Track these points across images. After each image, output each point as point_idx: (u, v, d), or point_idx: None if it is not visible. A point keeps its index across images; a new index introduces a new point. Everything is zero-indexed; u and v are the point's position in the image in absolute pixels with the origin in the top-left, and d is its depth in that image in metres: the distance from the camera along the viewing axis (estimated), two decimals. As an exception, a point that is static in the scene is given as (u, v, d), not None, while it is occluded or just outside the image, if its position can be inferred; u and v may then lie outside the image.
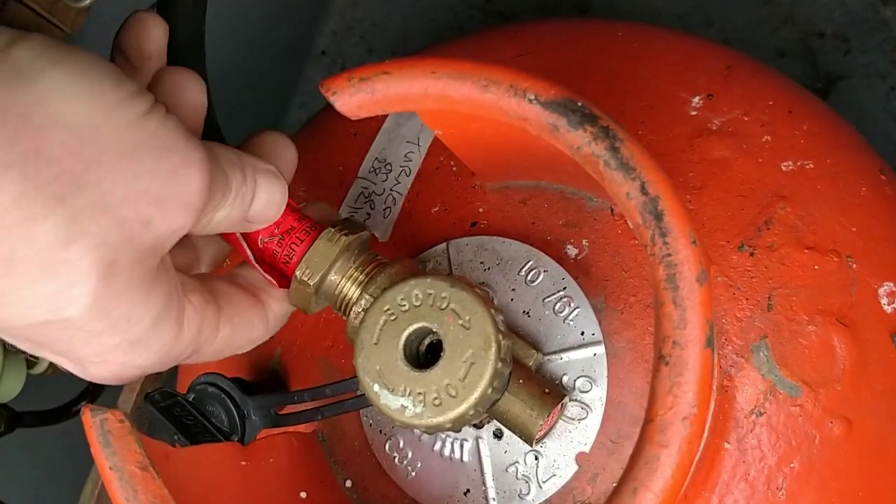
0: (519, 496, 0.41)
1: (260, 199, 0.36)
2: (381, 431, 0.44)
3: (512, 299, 0.42)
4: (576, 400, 0.40)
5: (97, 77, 0.30)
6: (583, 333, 0.41)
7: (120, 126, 0.30)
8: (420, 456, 0.42)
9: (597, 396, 0.40)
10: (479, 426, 0.41)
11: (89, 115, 0.30)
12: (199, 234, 0.36)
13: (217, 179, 0.33)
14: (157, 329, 0.33)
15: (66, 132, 0.29)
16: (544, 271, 0.42)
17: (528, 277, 0.42)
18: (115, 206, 0.30)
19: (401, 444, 0.43)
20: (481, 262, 0.43)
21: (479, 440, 0.41)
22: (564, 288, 0.42)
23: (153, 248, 0.32)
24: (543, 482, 0.40)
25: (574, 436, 0.40)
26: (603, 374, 0.40)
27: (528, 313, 0.42)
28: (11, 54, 0.29)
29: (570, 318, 0.41)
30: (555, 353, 0.41)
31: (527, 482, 0.40)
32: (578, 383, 0.40)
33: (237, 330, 0.38)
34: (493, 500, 0.41)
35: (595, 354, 0.40)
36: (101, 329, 0.31)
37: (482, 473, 0.41)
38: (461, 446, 0.42)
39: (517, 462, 0.41)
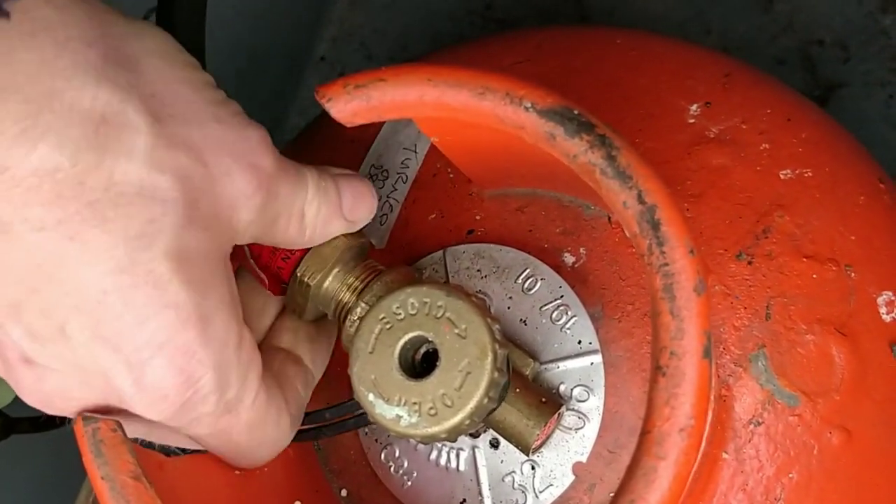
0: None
1: (346, 195, 0.37)
2: (376, 441, 0.43)
3: (509, 307, 0.42)
4: (573, 409, 0.40)
5: (187, 59, 0.33)
6: (580, 342, 0.41)
7: (207, 96, 0.32)
8: (416, 465, 0.42)
9: (594, 406, 0.40)
10: (475, 435, 0.41)
11: (185, 75, 0.32)
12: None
13: (286, 167, 0.34)
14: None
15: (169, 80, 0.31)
16: (541, 279, 0.42)
17: (526, 285, 0.42)
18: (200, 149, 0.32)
19: (396, 454, 0.43)
20: (478, 270, 0.43)
21: (476, 450, 0.41)
22: (562, 296, 0.41)
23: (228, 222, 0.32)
24: (540, 492, 0.40)
25: (571, 445, 0.40)
26: (600, 384, 0.40)
27: (525, 322, 0.41)
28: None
29: (568, 326, 0.41)
30: (552, 361, 0.41)
31: (523, 492, 0.40)
32: (575, 392, 0.40)
33: (301, 402, 0.39)
34: None
35: (592, 363, 0.40)
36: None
37: (478, 483, 0.41)
38: (457, 456, 0.41)
39: (514, 472, 0.40)
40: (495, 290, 0.42)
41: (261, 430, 0.35)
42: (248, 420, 0.34)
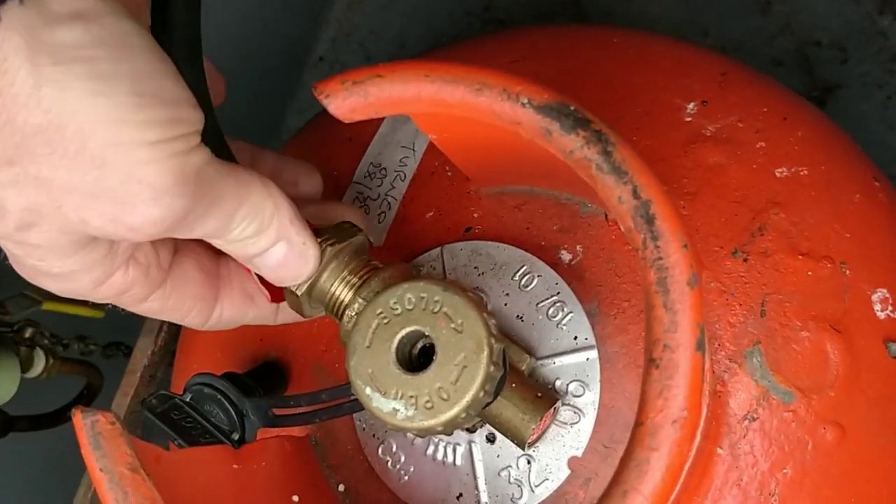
0: (511, 500, 0.40)
1: (273, 256, 0.37)
2: (374, 436, 0.43)
3: (506, 304, 0.42)
4: (568, 404, 0.40)
5: (118, 90, 0.31)
6: (576, 338, 0.41)
7: (106, 137, 0.30)
8: (413, 460, 0.42)
9: (589, 401, 0.40)
10: (471, 430, 0.41)
11: (78, 114, 0.30)
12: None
13: (193, 214, 0.33)
14: (74, 273, 0.34)
15: (40, 117, 0.30)
16: (538, 276, 0.42)
17: (522, 282, 0.42)
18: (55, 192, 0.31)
19: (394, 448, 0.43)
20: (475, 267, 0.43)
21: (472, 444, 0.41)
22: (558, 293, 0.42)
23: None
24: (536, 486, 0.40)
25: (566, 440, 0.40)
26: (596, 379, 0.40)
27: (521, 318, 0.42)
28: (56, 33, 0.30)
29: (564, 322, 0.41)
30: (548, 357, 0.41)
31: (519, 486, 0.40)
32: (571, 388, 0.40)
33: (166, 311, 0.38)
34: None
35: (588, 359, 0.40)
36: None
37: (475, 477, 0.41)
38: (454, 450, 0.42)
39: (510, 466, 0.41)
40: (492, 286, 0.43)
41: None
42: None
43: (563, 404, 0.40)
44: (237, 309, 0.40)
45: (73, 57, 0.30)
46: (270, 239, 0.36)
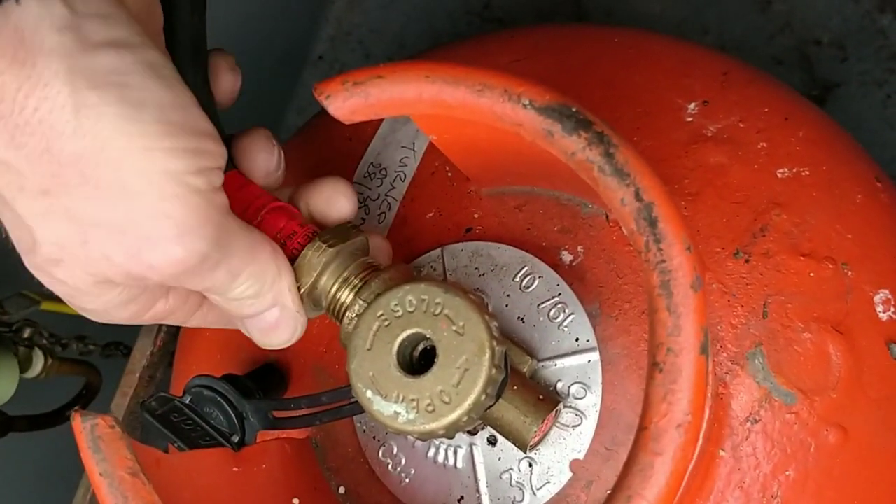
0: (513, 503, 0.40)
1: (265, 320, 0.37)
2: (374, 438, 0.43)
3: (507, 305, 0.42)
4: (570, 407, 0.40)
5: (147, 118, 0.31)
6: (577, 340, 0.41)
7: (135, 165, 0.31)
8: (414, 463, 0.42)
9: (591, 403, 0.40)
10: (473, 433, 0.41)
11: (110, 140, 0.30)
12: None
13: (208, 263, 0.33)
14: (110, 311, 0.35)
15: (76, 143, 0.30)
16: (539, 277, 0.42)
17: (523, 283, 0.42)
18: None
19: (394, 451, 0.43)
20: (476, 268, 0.43)
21: (474, 447, 0.41)
22: (559, 294, 0.41)
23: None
24: (537, 489, 0.40)
25: (568, 443, 0.40)
26: (597, 381, 0.40)
27: (522, 319, 0.41)
28: (98, 56, 0.30)
29: (565, 324, 0.41)
30: (549, 359, 0.41)
31: (521, 489, 0.40)
32: (573, 390, 0.40)
33: (208, 324, 0.39)
34: None
35: (590, 361, 0.40)
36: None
37: (476, 480, 0.41)
38: (455, 453, 0.41)
39: (511, 469, 0.40)
40: (493, 288, 0.42)
41: None
42: None
43: (565, 407, 0.40)
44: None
45: (108, 82, 0.30)
46: (267, 303, 0.36)
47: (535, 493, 0.40)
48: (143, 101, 0.31)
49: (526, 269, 0.42)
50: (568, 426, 0.40)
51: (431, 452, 0.42)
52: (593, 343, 0.40)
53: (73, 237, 0.31)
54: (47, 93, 0.30)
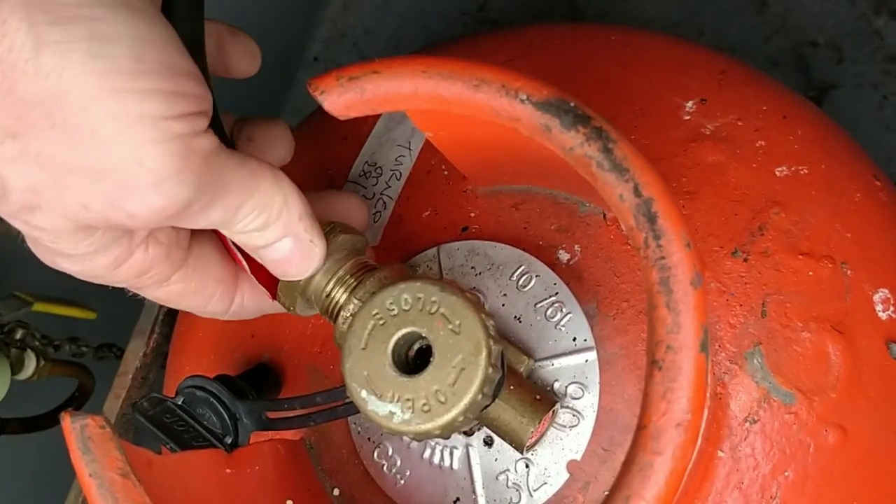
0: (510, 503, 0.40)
1: (278, 251, 0.36)
2: (369, 439, 0.43)
3: (503, 304, 0.41)
4: (567, 407, 0.40)
5: (118, 54, 0.29)
6: (574, 339, 0.40)
7: (105, 109, 0.29)
8: (409, 464, 0.42)
9: (588, 403, 0.40)
10: (469, 433, 0.41)
11: (77, 80, 0.28)
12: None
13: (197, 205, 0.31)
14: (90, 255, 0.33)
15: (39, 84, 0.28)
16: (536, 276, 0.41)
17: (520, 282, 0.42)
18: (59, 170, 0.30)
19: (389, 452, 0.42)
20: (472, 267, 0.43)
21: (470, 448, 0.41)
22: (556, 293, 0.41)
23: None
24: (534, 490, 0.40)
25: (565, 443, 0.40)
26: (595, 381, 0.40)
27: (519, 319, 0.41)
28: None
29: (562, 323, 0.41)
30: (546, 359, 0.40)
31: (517, 490, 0.40)
32: (570, 390, 0.40)
33: (189, 294, 0.37)
34: None
35: (587, 361, 0.40)
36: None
37: (472, 482, 0.40)
38: (451, 454, 0.41)
39: (508, 470, 0.40)
40: (490, 287, 0.42)
41: None
42: None
43: (563, 407, 0.40)
44: (259, 296, 0.39)
45: (73, 16, 0.28)
46: (278, 233, 0.35)
47: (531, 495, 0.40)
48: (114, 35, 0.28)
49: (523, 267, 0.42)
50: (565, 426, 0.39)
51: (427, 454, 0.41)
52: (591, 343, 0.40)
53: (47, 183, 0.30)
54: (5, 30, 0.28)
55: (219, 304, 0.39)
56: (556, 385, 0.40)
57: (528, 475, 0.40)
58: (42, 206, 0.30)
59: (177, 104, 0.30)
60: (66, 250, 0.32)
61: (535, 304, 0.41)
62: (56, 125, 0.29)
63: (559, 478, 0.39)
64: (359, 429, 0.43)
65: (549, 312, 0.41)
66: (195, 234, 0.37)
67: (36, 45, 0.28)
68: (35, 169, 0.29)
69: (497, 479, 0.40)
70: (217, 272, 0.38)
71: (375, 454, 0.42)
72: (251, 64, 0.40)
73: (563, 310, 0.41)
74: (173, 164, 0.30)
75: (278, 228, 0.35)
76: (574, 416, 0.40)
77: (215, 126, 0.35)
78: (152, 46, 0.29)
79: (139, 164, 0.29)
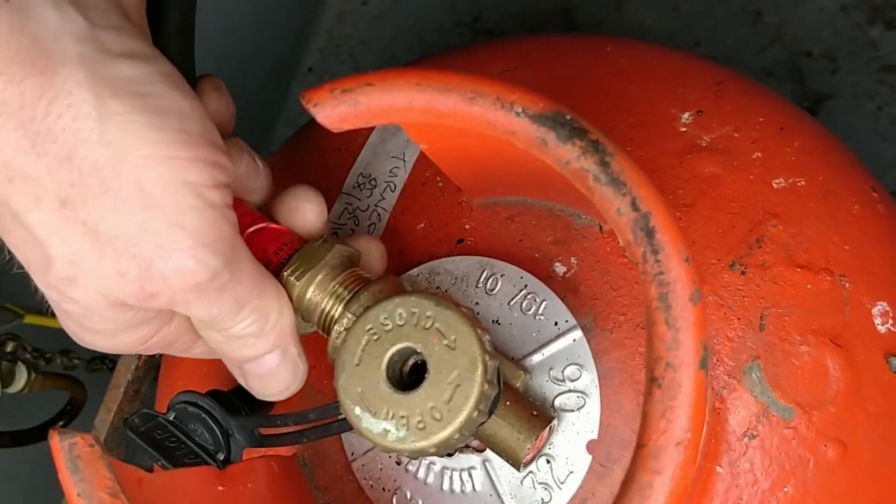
0: (543, 501, 0.39)
1: (265, 364, 0.36)
2: (384, 489, 0.42)
3: (478, 313, 0.41)
4: (570, 390, 0.39)
5: (169, 126, 0.31)
6: (556, 323, 0.40)
7: (156, 175, 0.31)
8: (432, 500, 0.40)
9: (589, 380, 0.39)
10: (480, 449, 0.40)
11: (133, 148, 0.30)
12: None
13: (217, 282, 0.33)
14: (119, 332, 0.34)
15: (99, 152, 0.30)
16: (501, 276, 0.41)
17: (488, 287, 0.41)
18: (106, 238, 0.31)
19: (409, 496, 0.41)
20: (437, 287, 0.42)
21: (487, 463, 0.40)
22: (525, 286, 0.41)
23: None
24: (562, 483, 0.39)
25: (578, 426, 0.39)
26: (588, 358, 0.39)
27: (497, 321, 0.41)
28: (118, 66, 0.31)
29: (540, 312, 0.40)
30: (535, 350, 0.40)
31: (546, 488, 0.39)
32: (567, 372, 0.39)
33: (213, 354, 0.38)
34: None
35: (574, 340, 0.40)
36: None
37: (499, 495, 0.40)
38: (470, 476, 0.40)
39: (531, 472, 0.39)
40: (459, 301, 0.41)
41: None
42: None
43: (566, 392, 0.39)
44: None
45: (130, 91, 0.30)
46: (268, 345, 0.36)
47: (560, 487, 0.39)
48: (165, 109, 0.31)
49: (486, 272, 0.42)
50: (574, 409, 0.39)
51: (446, 484, 0.40)
52: (573, 322, 0.40)
53: (88, 252, 0.31)
54: (71, 101, 0.29)
55: None
56: (552, 372, 0.39)
57: (551, 470, 0.39)
58: (80, 278, 0.32)
59: (216, 174, 0.32)
60: (95, 326, 0.34)
61: (509, 302, 0.41)
62: (108, 191, 0.30)
63: (583, 462, 0.39)
64: (371, 483, 0.42)
65: (524, 306, 0.41)
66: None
67: (100, 116, 0.30)
68: (79, 238, 0.31)
69: (522, 484, 0.39)
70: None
71: (395, 501, 0.41)
72: (226, 104, 0.41)
73: (538, 299, 0.41)
74: (211, 232, 0.32)
75: (270, 339, 0.36)
76: (579, 397, 0.39)
77: None
78: (195, 120, 0.32)
79: (181, 228, 0.31)
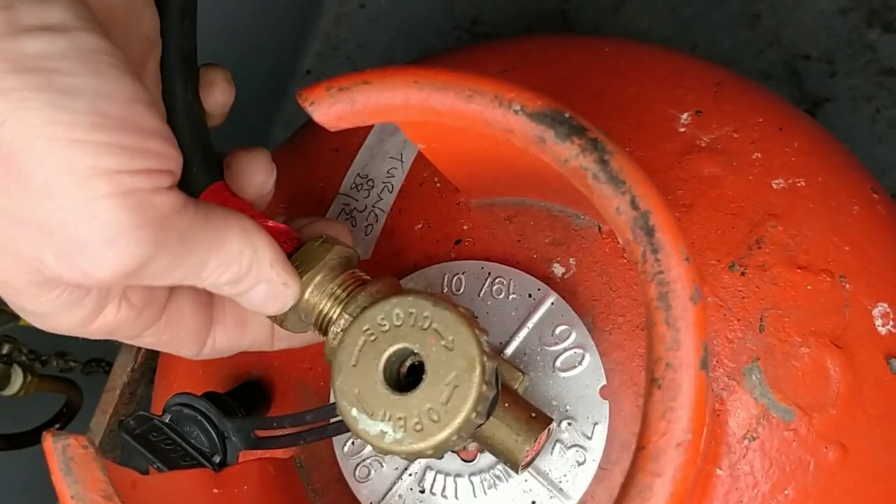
0: (579, 465, 0.38)
1: (253, 297, 0.35)
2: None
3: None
4: (564, 349, 0.39)
5: (78, 107, 0.28)
6: (531, 295, 0.40)
7: (61, 159, 0.28)
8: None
9: (580, 334, 0.39)
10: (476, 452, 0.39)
11: (34, 129, 0.28)
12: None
13: (156, 265, 0.31)
14: (50, 314, 0.32)
15: (3, 128, 0.28)
16: (462, 274, 0.42)
17: (454, 288, 0.42)
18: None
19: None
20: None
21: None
22: (489, 273, 0.41)
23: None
24: (590, 438, 0.39)
25: (583, 378, 0.39)
26: (571, 314, 0.40)
27: (474, 316, 0.40)
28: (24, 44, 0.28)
29: (511, 291, 0.41)
30: (519, 328, 0.40)
31: (578, 449, 0.38)
32: (557, 333, 0.40)
33: (161, 344, 0.37)
34: (563, 488, 0.38)
35: (553, 303, 0.40)
36: None
37: (540, 482, 0.39)
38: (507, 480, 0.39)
39: (557, 440, 0.39)
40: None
41: None
42: None
43: (561, 352, 0.39)
44: (231, 337, 0.39)
45: (35, 67, 0.28)
46: (249, 284, 0.35)
47: (590, 438, 0.38)
48: (74, 89, 0.28)
49: (447, 276, 0.42)
50: (574, 366, 0.39)
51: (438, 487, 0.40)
52: (545, 289, 0.40)
53: (1, 236, 0.29)
54: None
55: (190, 349, 0.38)
56: (540, 339, 0.40)
57: (575, 428, 0.39)
58: None
59: (136, 160, 0.29)
60: (25, 306, 0.32)
61: (478, 294, 0.41)
62: (10, 174, 0.28)
63: (601, 408, 0.39)
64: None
65: (494, 291, 0.41)
66: (174, 289, 0.37)
67: None
68: None
69: (551, 454, 0.39)
70: (191, 324, 0.37)
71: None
72: (227, 95, 0.40)
73: (504, 280, 0.41)
74: (128, 220, 0.29)
75: (249, 279, 0.35)
76: (575, 353, 0.39)
77: (186, 186, 0.35)
78: (116, 103, 0.29)
79: (92, 218, 0.29)
